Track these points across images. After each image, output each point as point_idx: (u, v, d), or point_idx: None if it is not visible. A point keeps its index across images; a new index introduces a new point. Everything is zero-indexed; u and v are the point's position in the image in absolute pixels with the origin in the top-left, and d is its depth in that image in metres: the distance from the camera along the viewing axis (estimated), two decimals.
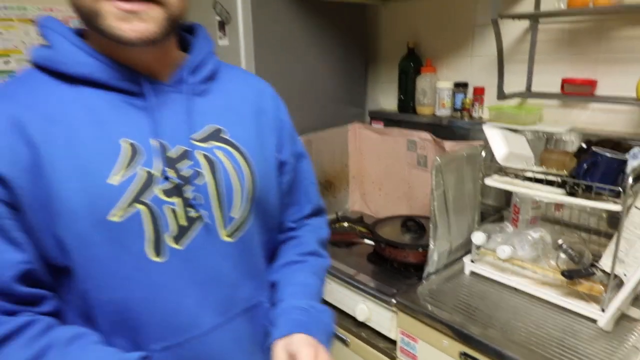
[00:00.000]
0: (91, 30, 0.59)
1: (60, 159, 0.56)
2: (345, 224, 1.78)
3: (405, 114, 1.82)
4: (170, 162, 0.61)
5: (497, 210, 1.55)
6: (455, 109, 1.68)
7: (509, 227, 1.24)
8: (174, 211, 0.61)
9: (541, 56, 1.45)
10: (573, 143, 1.31)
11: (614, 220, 1.20)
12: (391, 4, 1.85)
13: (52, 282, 0.61)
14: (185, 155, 0.63)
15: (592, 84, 1.33)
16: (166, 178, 0.61)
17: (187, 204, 0.62)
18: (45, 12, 1.65)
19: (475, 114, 1.63)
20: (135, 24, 0.56)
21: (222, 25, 1.55)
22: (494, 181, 1.17)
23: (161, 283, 0.61)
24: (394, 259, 1.37)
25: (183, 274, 0.62)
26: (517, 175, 1.15)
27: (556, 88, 1.41)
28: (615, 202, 0.96)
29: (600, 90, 1.34)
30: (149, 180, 0.60)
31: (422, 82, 1.74)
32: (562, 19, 1.38)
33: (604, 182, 0.97)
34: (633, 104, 1.26)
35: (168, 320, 0.62)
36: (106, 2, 0.54)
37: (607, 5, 1.17)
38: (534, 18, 1.42)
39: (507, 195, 1.48)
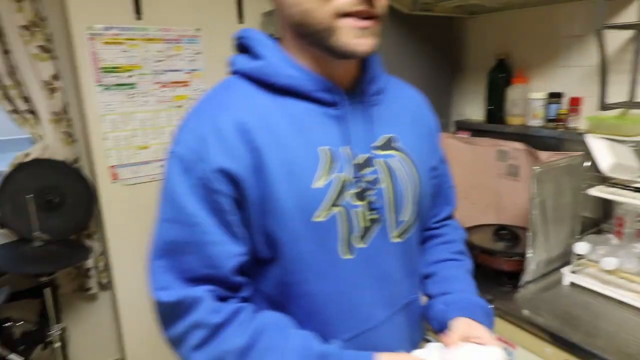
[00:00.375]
0: (306, 42, 0.64)
1: (275, 163, 0.61)
2: None
3: (494, 125, 1.83)
4: (357, 169, 0.67)
5: (594, 222, 1.52)
6: (548, 120, 1.67)
7: (613, 239, 1.22)
8: (360, 214, 0.66)
9: None
10: None
11: None
12: (479, 17, 1.87)
13: (250, 272, 0.67)
14: (368, 162, 0.68)
15: None
16: (355, 183, 0.66)
17: (369, 207, 0.67)
18: (163, 32, 1.86)
19: (571, 125, 1.61)
20: (367, 39, 0.61)
21: None
22: (600, 192, 1.16)
23: (348, 279, 0.67)
24: (487, 266, 1.39)
25: (364, 271, 0.68)
26: (624, 186, 1.14)
27: None
28: None
29: None
30: (343, 185, 0.65)
31: (513, 93, 1.74)
32: None
33: None
34: None
35: (352, 313, 0.68)
36: (345, 20, 0.58)
37: None
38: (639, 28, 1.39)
39: (606, 207, 1.45)
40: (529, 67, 1.75)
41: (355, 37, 0.60)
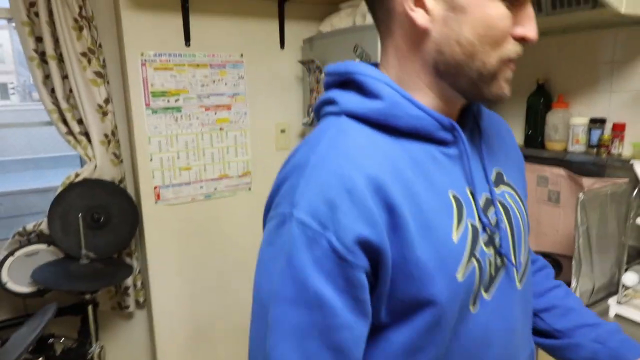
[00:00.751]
0: (451, 85, 0.58)
1: (411, 220, 0.53)
2: None
3: (533, 149, 1.81)
4: (482, 211, 0.60)
5: None
6: (590, 145, 1.64)
7: None
8: (491, 262, 0.59)
9: None
10: None
11: None
12: None
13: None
14: (490, 202, 0.62)
15: None
16: (484, 228, 0.59)
17: (497, 252, 0.61)
18: (210, 57, 1.95)
19: (614, 151, 1.58)
20: (509, 86, 0.59)
21: None
22: None
23: (474, 335, 0.59)
24: None
25: (489, 324, 0.60)
26: None
27: None
28: None
29: None
30: (476, 233, 0.58)
31: (554, 118, 1.72)
32: None
33: None
34: None
35: None
36: (509, 65, 0.57)
37: None
38: None
39: None
40: (569, 92, 1.73)
41: (506, 82, 0.58)
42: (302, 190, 0.53)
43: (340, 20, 1.95)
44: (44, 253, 1.85)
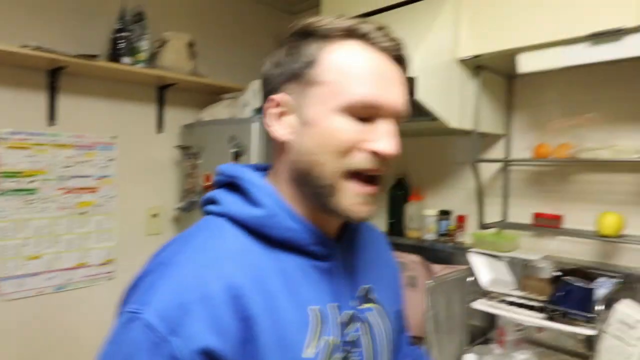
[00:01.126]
0: (303, 192, 0.59)
1: (266, 332, 0.53)
2: None
3: (396, 237, 1.98)
4: (343, 327, 0.60)
5: (484, 331, 1.64)
6: (440, 234, 1.85)
7: (497, 349, 1.33)
8: None
9: (515, 191, 1.68)
10: (547, 270, 1.46)
11: (590, 343, 1.31)
12: None
13: None
14: (352, 319, 0.62)
15: (558, 218, 1.53)
16: (342, 346, 0.59)
17: None
18: (77, 138, 1.85)
19: (459, 239, 1.80)
20: (368, 207, 0.58)
21: (236, 156, 1.76)
22: (481, 305, 1.29)
23: None
24: None
25: None
26: (501, 300, 1.28)
27: (529, 219, 1.61)
28: (588, 327, 1.09)
29: (566, 223, 1.53)
30: (332, 350, 0.58)
31: (410, 209, 1.93)
32: (529, 164, 1.64)
33: (577, 309, 1.10)
34: (593, 238, 1.44)
35: None
36: (351, 182, 0.56)
37: (563, 157, 1.42)
38: (505, 163, 1.68)
39: (492, 317, 1.59)
40: (423, 186, 1.97)
41: (358, 203, 0.57)
42: (158, 289, 0.52)
43: (220, 111, 2.02)
44: None
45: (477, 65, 1.51)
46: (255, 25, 2.49)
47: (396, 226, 2.00)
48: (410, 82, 1.28)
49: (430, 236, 1.86)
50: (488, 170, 1.74)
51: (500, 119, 1.67)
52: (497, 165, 1.72)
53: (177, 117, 2.16)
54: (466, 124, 1.52)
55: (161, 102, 2.10)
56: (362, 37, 0.58)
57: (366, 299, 0.66)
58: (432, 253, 1.81)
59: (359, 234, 0.70)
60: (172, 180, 2.17)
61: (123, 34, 1.79)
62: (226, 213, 0.60)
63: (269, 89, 0.62)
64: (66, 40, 1.77)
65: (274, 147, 0.62)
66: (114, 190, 1.96)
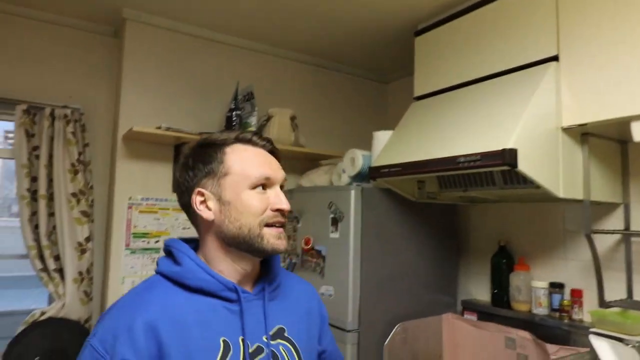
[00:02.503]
0: (238, 247, 0.83)
1: (175, 354, 0.74)
2: None
3: (500, 309, 1.86)
4: (251, 357, 0.79)
5: None
6: (552, 309, 1.70)
7: None
8: None
9: (639, 266, 1.51)
10: None
11: None
12: (479, 205, 2.06)
13: None
14: (260, 351, 0.81)
15: None
16: None
17: None
18: None
19: (575, 316, 1.64)
20: (283, 241, 0.84)
21: (334, 221, 1.82)
22: None
23: None
24: None
25: None
26: None
27: None
28: None
29: None
30: None
31: (516, 279, 1.81)
32: None
33: None
34: None
35: None
36: (267, 228, 0.83)
37: None
38: (626, 234, 1.53)
39: None
40: (528, 255, 1.86)
41: (276, 239, 0.83)
42: (103, 324, 0.76)
43: (318, 177, 2.13)
44: None
45: (583, 133, 1.44)
46: (351, 95, 2.63)
47: (500, 296, 1.89)
48: (512, 154, 1.26)
49: (541, 311, 1.72)
50: (604, 241, 1.59)
51: (616, 186, 1.55)
52: (616, 237, 1.57)
53: None
54: (575, 193, 1.43)
55: None
56: (247, 141, 0.86)
57: (280, 336, 0.86)
58: (544, 330, 1.66)
59: (285, 288, 0.92)
60: None
61: (236, 112, 2.01)
62: (160, 271, 0.83)
63: (185, 188, 0.86)
64: (189, 120, 2.04)
65: (201, 225, 0.86)
66: None
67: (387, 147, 1.77)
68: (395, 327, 1.76)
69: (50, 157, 1.89)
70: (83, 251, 1.90)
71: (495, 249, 1.94)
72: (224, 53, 2.21)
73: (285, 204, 0.84)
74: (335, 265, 1.79)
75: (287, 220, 0.89)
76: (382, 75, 2.72)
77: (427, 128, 1.66)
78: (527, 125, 1.31)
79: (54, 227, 1.89)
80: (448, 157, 1.41)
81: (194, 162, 0.87)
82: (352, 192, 1.75)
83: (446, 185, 1.85)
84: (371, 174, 1.75)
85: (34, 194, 1.88)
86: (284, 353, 0.84)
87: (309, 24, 2.06)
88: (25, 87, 1.95)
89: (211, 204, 0.83)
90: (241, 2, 1.87)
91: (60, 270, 1.88)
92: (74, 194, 1.90)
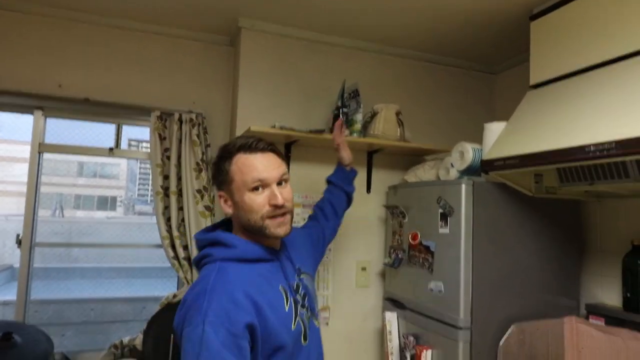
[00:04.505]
0: (251, 233, 1.10)
1: (265, 306, 1.02)
2: None
3: (635, 314, 1.68)
4: (296, 291, 1.14)
5: None
6: None
7: None
8: (305, 316, 1.14)
9: None
10: None
11: None
12: (608, 200, 1.88)
13: None
14: (298, 286, 1.16)
15: None
16: (298, 300, 1.13)
17: (307, 309, 1.16)
18: (304, 198, 2.16)
19: None
20: (283, 227, 1.10)
21: (443, 216, 1.79)
22: None
23: (306, 354, 1.11)
24: None
25: (312, 349, 1.14)
26: None
27: None
28: None
29: None
30: (296, 304, 1.11)
31: None
32: None
33: None
34: None
35: None
36: (268, 220, 1.08)
37: None
38: None
39: None
40: None
41: (277, 227, 1.09)
42: (206, 306, 0.96)
43: (424, 172, 2.10)
44: None
45: None
46: (457, 88, 2.56)
47: (634, 301, 1.70)
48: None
49: None
50: None
51: None
52: None
53: (383, 178, 2.32)
54: None
55: (370, 166, 2.31)
56: (247, 148, 1.10)
57: (301, 272, 1.21)
58: None
59: (288, 242, 1.23)
60: (380, 237, 2.31)
61: (342, 109, 2.06)
62: (218, 258, 1.08)
63: (217, 184, 1.15)
64: (299, 119, 2.14)
65: (231, 216, 1.14)
66: (331, 245, 2.19)
67: (500, 138, 1.69)
68: (511, 328, 1.68)
69: (179, 157, 2.11)
70: None
71: (627, 248, 1.76)
72: (330, 53, 2.28)
73: (279, 200, 1.07)
74: (444, 261, 1.76)
75: (289, 209, 1.11)
76: (489, 66, 2.59)
77: (547, 117, 1.55)
78: None
79: (183, 220, 2.11)
80: (575, 146, 1.31)
81: (214, 170, 1.17)
82: (463, 187, 1.71)
83: (568, 178, 1.72)
84: (483, 167, 1.68)
85: (166, 191, 2.12)
86: (306, 281, 1.21)
87: (413, 20, 2.05)
88: (156, 96, 2.20)
89: (229, 203, 1.13)
90: (344, 3, 1.92)
91: (189, 259, 2.09)
92: (198, 190, 2.10)
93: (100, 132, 2.43)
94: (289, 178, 1.15)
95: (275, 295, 1.07)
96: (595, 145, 1.25)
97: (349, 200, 1.74)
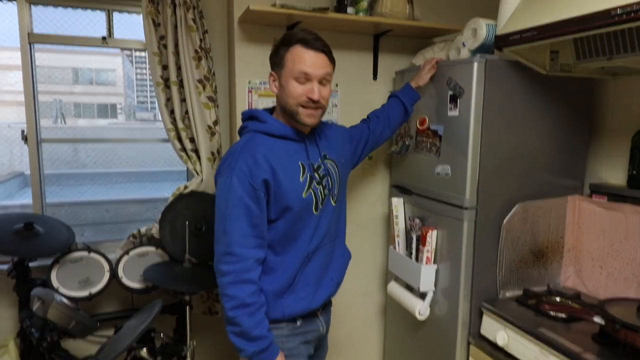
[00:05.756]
0: (286, 115, 1.34)
1: (281, 172, 1.28)
2: (558, 299, 1.72)
3: (638, 191, 1.71)
4: (315, 170, 1.38)
5: None
6: None
7: None
8: (320, 191, 1.37)
9: None
10: None
11: None
12: (623, 78, 1.81)
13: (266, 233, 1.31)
14: (319, 166, 1.40)
15: None
16: (315, 177, 1.36)
17: (324, 187, 1.39)
18: None
19: None
20: (313, 118, 1.34)
21: (452, 99, 1.74)
22: None
23: (316, 224, 1.37)
24: (631, 344, 1.28)
25: (323, 220, 1.39)
26: None
27: None
28: None
29: None
30: (311, 179, 1.35)
31: None
32: None
33: None
34: None
35: (316, 239, 1.38)
36: (301, 109, 1.31)
37: None
38: None
39: None
40: None
41: (306, 116, 1.32)
42: (235, 162, 1.26)
43: (434, 54, 2.01)
44: (152, 254, 2.07)
45: None
46: None
47: (638, 178, 1.72)
48: None
49: None
50: None
51: None
52: None
53: (390, 63, 2.23)
54: None
55: (376, 50, 2.20)
56: (305, 43, 1.28)
57: (326, 158, 1.44)
58: None
59: (321, 130, 1.48)
60: None
61: None
62: (253, 129, 1.36)
63: (271, 64, 1.36)
64: None
65: (276, 96, 1.37)
66: None
67: (518, 10, 1.57)
68: (515, 206, 1.73)
69: (176, 45, 2.01)
70: (213, 134, 2.08)
71: (637, 127, 1.73)
72: None
73: (315, 95, 1.29)
74: (453, 143, 1.75)
75: (321, 105, 1.33)
76: None
77: None
78: None
79: (186, 112, 2.07)
80: (599, 11, 1.22)
81: (273, 53, 1.34)
82: (475, 65, 1.63)
83: (586, 53, 1.63)
84: (498, 42, 1.59)
85: (166, 82, 2.05)
86: (330, 166, 1.43)
87: None
88: None
89: (276, 83, 1.34)
90: None
91: (196, 151, 2.10)
92: (199, 80, 2.04)
93: (91, 23, 2.29)
94: (332, 79, 1.36)
95: (292, 166, 1.31)
96: (623, 7, 1.16)
97: (405, 117, 1.88)
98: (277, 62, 1.32)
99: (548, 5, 1.44)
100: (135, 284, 1.99)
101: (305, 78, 1.28)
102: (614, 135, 1.87)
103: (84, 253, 1.99)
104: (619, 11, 1.17)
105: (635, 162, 1.73)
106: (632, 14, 1.14)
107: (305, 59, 1.27)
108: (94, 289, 1.95)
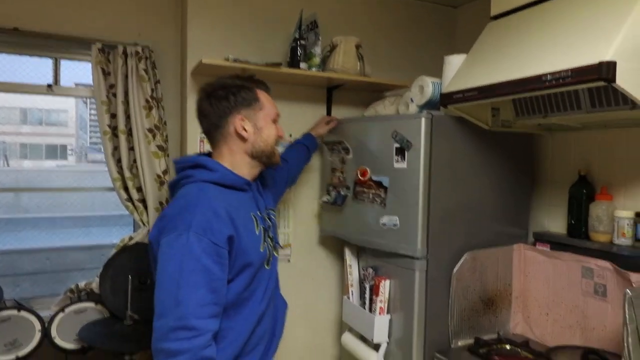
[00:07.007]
0: (258, 157, 1.30)
1: (241, 227, 1.18)
2: (508, 347, 1.73)
3: (577, 239, 1.79)
4: (264, 221, 1.33)
5: None
6: (637, 239, 1.61)
7: None
8: (269, 244, 1.32)
9: None
10: None
11: None
12: (558, 134, 1.94)
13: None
14: (265, 217, 1.35)
15: None
16: (267, 228, 1.33)
17: (271, 239, 1.35)
18: None
19: None
20: (278, 156, 1.38)
21: (399, 151, 1.78)
22: None
23: (267, 280, 1.31)
24: None
25: (272, 274, 1.35)
26: None
27: None
28: None
29: None
30: (265, 231, 1.30)
31: (597, 209, 1.72)
32: None
33: None
34: None
35: (267, 296, 1.30)
36: (276, 149, 1.35)
37: None
38: None
39: None
40: (612, 184, 1.74)
41: (277, 155, 1.36)
42: (192, 217, 1.10)
43: (384, 108, 2.08)
44: (91, 311, 1.93)
45: None
46: (417, 21, 2.49)
47: (577, 228, 1.81)
48: (610, 68, 1.14)
49: (624, 241, 1.63)
50: None
51: None
52: None
53: (343, 115, 2.27)
54: None
55: (329, 103, 2.26)
56: (261, 85, 1.34)
57: (267, 208, 1.41)
58: (626, 260, 1.58)
59: (262, 177, 1.44)
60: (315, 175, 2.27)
61: (300, 42, 1.97)
62: (200, 179, 1.21)
63: (222, 113, 1.26)
64: (255, 51, 2.02)
65: (232, 142, 1.27)
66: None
67: (460, 71, 1.67)
68: (464, 256, 1.76)
69: (126, 94, 1.97)
70: (162, 183, 2.02)
71: (574, 179, 1.84)
72: None
73: (283, 133, 1.38)
74: (400, 195, 1.77)
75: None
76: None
77: (507, 48, 1.54)
78: (628, 36, 1.18)
79: (134, 161, 2.01)
80: (532, 76, 1.31)
81: (228, 95, 1.24)
82: (423, 120, 1.69)
83: (523, 111, 1.75)
84: (442, 100, 1.67)
85: (114, 130, 1.99)
86: (272, 214, 1.43)
87: None
88: (97, 26, 2.01)
89: (248, 127, 1.25)
90: None
91: (143, 201, 2.02)
92: (149, 129, 2.00)
93: (37, 69, 2.23)
94: None
95: (248, 218, 1.24)
96: (552, 74, 1.25)
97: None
98: (252, 104, 1.26)
99: (488, 68, 1.54)
100: (70, 345, 1.84)
101: (276, 119, 1.35)
102: (554, 186, 1.98)
103: (13, 312, 1.83)
104: (549, 77, 1.26)
105: (573, 212, 1.83)
106: (561, 80, 1.23)
107: (273, 102, 1.34)
108: (22, 352, 1.78)
